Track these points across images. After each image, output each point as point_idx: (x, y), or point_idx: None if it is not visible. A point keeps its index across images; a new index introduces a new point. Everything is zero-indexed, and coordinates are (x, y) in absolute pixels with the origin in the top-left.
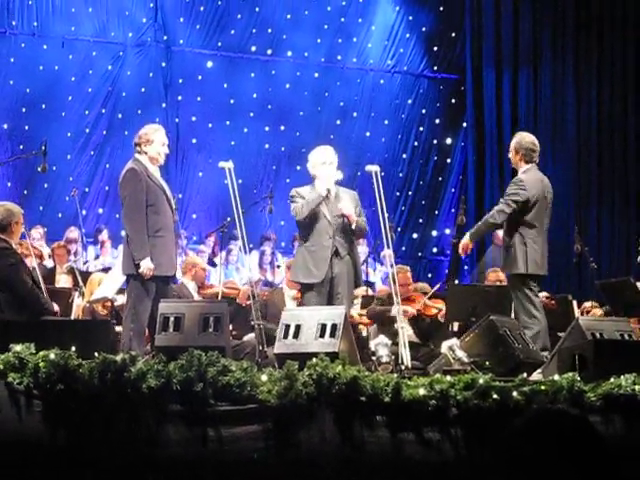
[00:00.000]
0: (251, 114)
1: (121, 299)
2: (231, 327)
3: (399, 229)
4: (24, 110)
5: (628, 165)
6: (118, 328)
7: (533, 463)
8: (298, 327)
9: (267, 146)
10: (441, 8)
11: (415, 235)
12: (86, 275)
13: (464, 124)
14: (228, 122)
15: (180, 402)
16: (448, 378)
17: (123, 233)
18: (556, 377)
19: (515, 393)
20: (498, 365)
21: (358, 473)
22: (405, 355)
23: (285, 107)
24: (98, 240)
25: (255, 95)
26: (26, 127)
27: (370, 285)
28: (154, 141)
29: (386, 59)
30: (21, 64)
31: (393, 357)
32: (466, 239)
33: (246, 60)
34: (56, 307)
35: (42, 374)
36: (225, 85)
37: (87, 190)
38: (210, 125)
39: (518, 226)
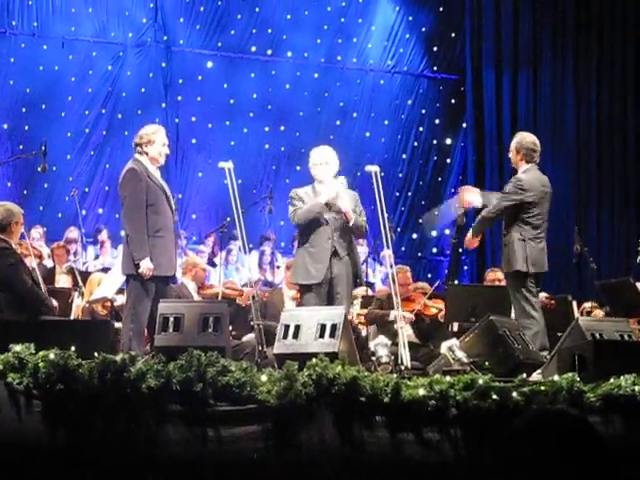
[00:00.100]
0: (251, 114)
1: (121, 299)
2: (231, 327)
3: (399, 229)
4: (24, 110)
5: (628, 166)
6: (117, 324)
7: (533, 463)
8: (298, 327)
9: (267, 146)
10: (441, 8)
11: (415, 235)
12: (86, 275)
13: (464, 124)
14: (228, 122)
15: (180, 402)
16: (448, 378)
17: (123, 233)
18: (556, 377)
19: (515, 393)
20: (498, 365)
21: (358, 473)
22: (405, 355)
23: (285, 107)
24: (98, 240)
25: (255, 95)
26: (26, 127)
27: (370, 285)
28: (155, 141)
29: (386, 59)
30: (21, 64)
31: (393, 357)
32: (469, 235)
33: (246, 60)
34: (55, 302)
35: (42, 374)
36: (225, 85)
37: (87, 190)
38: (210, 125)
39: (517, 225)
